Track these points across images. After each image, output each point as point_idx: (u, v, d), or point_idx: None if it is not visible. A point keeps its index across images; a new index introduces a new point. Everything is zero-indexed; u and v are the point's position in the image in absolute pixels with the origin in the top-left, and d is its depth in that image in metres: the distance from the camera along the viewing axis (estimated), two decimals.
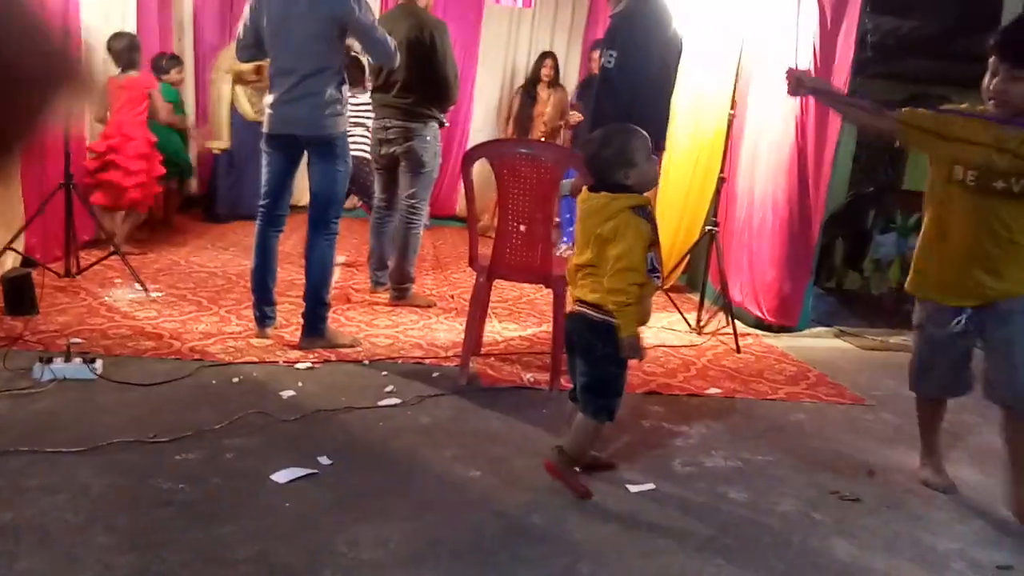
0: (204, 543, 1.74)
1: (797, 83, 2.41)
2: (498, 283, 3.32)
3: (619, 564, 1.82)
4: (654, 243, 2.07)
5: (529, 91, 6.38)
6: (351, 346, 3.26)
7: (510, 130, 6.53)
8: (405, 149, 3.94)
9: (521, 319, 4.07)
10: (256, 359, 3.02)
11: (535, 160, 2.93)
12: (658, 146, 3.57)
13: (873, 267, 5.61)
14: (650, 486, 2.23)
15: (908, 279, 2.35)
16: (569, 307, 2.21)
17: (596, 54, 4.79)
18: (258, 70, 5.65)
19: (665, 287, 4.35)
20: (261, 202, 3.23)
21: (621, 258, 2.01)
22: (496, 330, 3.77)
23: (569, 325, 2.22)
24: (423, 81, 3.86)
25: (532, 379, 3.08)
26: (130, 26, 4.94)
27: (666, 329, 4.07)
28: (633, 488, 2.22)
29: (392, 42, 3.20)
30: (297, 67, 3.04)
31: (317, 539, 1.80)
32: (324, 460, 2.19)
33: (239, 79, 5.98)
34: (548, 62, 6.32)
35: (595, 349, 2.10)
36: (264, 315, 3.29)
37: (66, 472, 2.01)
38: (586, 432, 2.16)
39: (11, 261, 3.72)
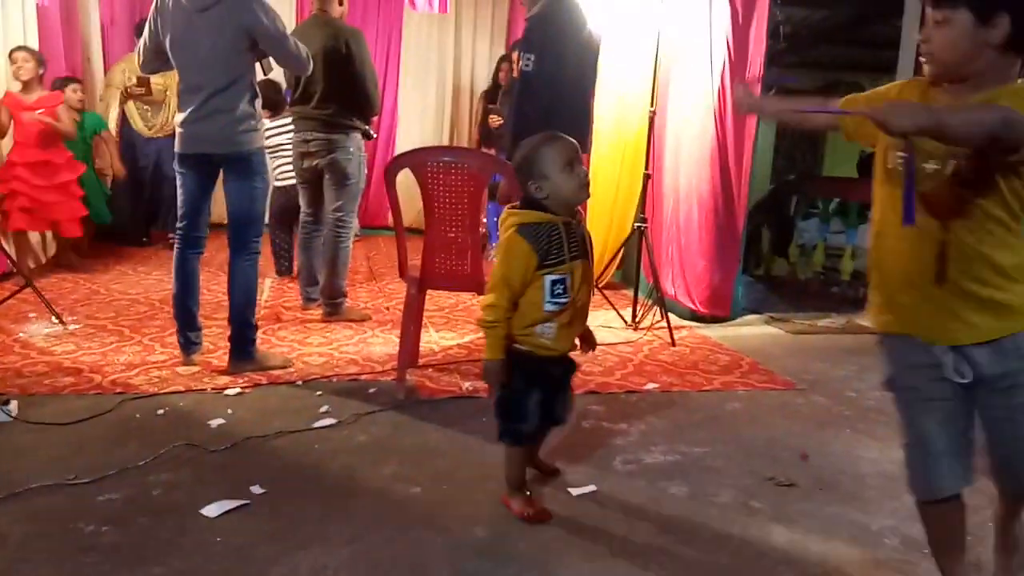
0: None
1: (739, 104, 2.27)
2: (433, 292, 3.29)
3: (566, 572, 1.81)
4: (557, 265, 1.94)
5: (491, 97, 6.21)
6: (283, 367, 3.17)
7: (475, 138, 6.44)
8: (328, 162, 3.87)
9: (458, 327, 4.04)
10: (182, 388, 2.92)
11: (459, 167, 2.90)
12: (583, 147, 3.61)
13: (798, 253, 5.77)
14: (591, 488, 2.24)
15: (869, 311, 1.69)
16: None
17: (515, 55, 4.79)
18: (141, 82, 5.59)
19: (599, 285, 4.38)
20: (178, 224, 3.11)
21: (492, 277, 1.97)
22: (433, 340, 3.74)
23: None
24: (342, 91, 3.80)
25: (471, 387, 3.05)
26: (32, 44, 4.72)
27: (603, 327, 4.09)
28: (575, 491, 2.21)
29: (304, 49, 3.11)
30: (206, 82, 2.94)
31: (251, 573, 1.74)
32: (257, 489, 2.13)
33: (127, 95, 5.75)
34: (505, 66, 6.05)
35: None
36: (189, 341, 3.17)
37: None
38: (506, 456, 2.12)
39: None
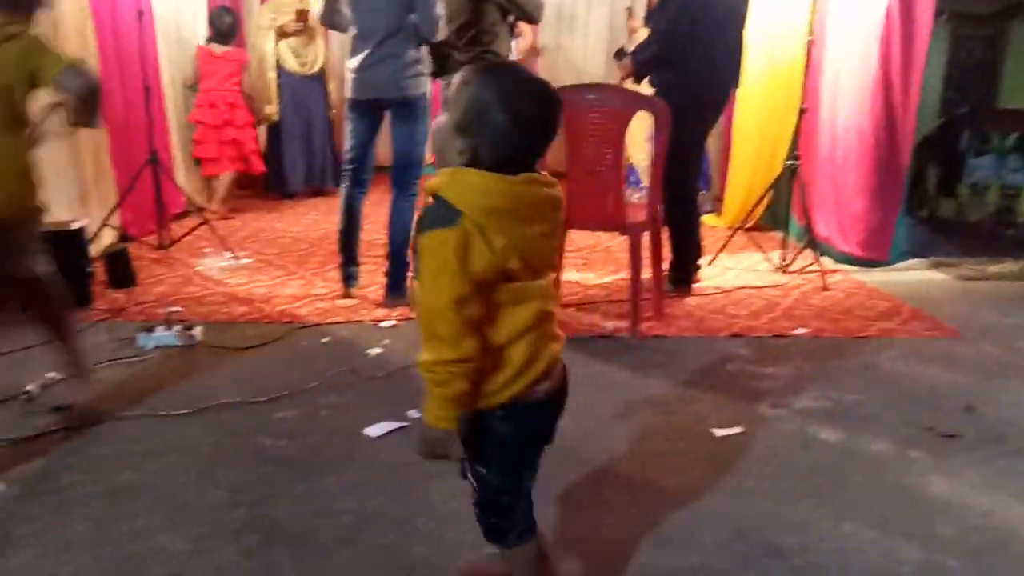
0: (307, 496, 1.84)
1: None
2: (572, 233, 3.31)
3: (709, 508, 1.83)
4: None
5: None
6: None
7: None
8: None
9: (598, 267, 4.05)
10: (343, 319, 3.12)
11: (602, 105, 2.87)
12: (735, 80, 3.46)
13: (969, 192, 5.30)
14: (737, 430, 2.22)
15: None
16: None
17: None
18: (300, 17, 5.41)
19: (746, 226, 4.23)
20: (346, 165, 3.30)
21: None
22: (573, 280, 3.77)
23: None
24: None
25: (613, 327, 3.07)
26: None
27: (749, 270, 3.97)
28: (719, 432, 2.20)
29: (440, 18, 3.11)
30: (378, 29, 3.07)
31: (412, 489, 1.87)
32: (413, 414, 2.26)
33: (282, 33, 5.51)
34: None
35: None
36: (350, 275, 3.39)
37: (176, 433, 2.14)
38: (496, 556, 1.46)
39: (109, 237, 3.92)
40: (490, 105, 1.15)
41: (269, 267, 3.91)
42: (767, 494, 1.89)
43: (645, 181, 5.23)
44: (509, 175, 1.16)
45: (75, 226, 3.24)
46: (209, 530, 1.70)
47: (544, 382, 1.26)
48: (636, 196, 5.18)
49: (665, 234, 3.34)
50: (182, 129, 5.03)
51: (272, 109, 5.60)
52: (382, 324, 3.07)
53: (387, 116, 3.24)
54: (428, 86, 3.24)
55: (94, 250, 3.57)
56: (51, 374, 2.40)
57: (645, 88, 3.62)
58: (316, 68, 5.70)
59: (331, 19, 3.27)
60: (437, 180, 1.17)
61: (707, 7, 3.10)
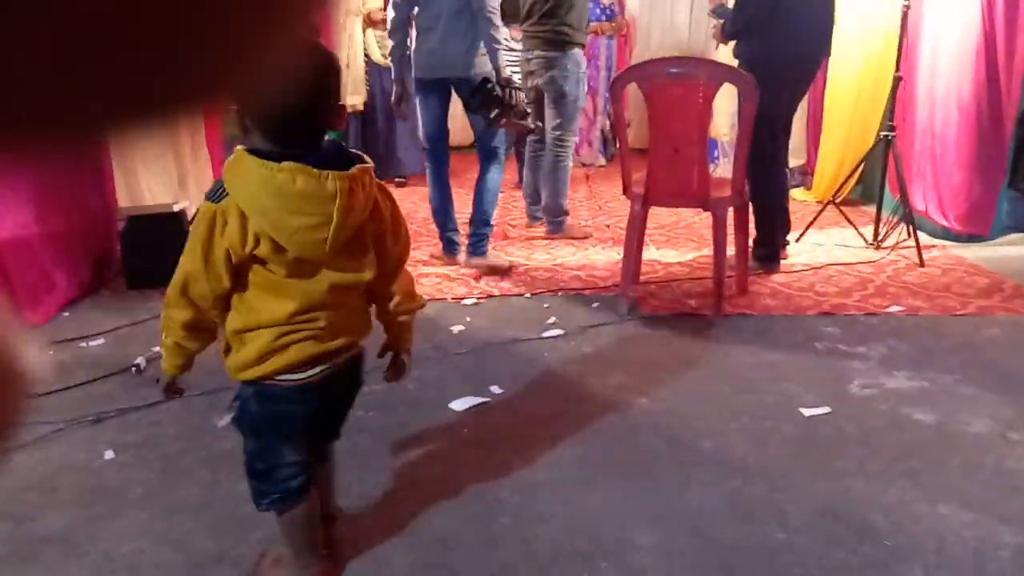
0: (396, 465, 1.91)
1: None
2: (654, 209, 3.28)
3: (796, 487, 1.80)
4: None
5: None
6: (507, 269, 3.51)
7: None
8: (547, 80, 3.91)
9: (679, 244, 4.00)
10: (427, 297, 3.18)
11: (687, 79, 2.82)
12: (825, 49, 3.34)
13: None
14: (826, 409, 2.17)
15: None
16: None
17: None
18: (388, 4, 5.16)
19: (837, 200, 4.09)
20: (425, 145, 3.51)
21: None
22: (655, 257, 3.74)
23: None
24: (561, 5, 3.77)
25: (695, 304, 3.04)
26: None
27: (839, 246, 3.85)
28: (807, 411, 2.16)
29: (498, 16, 3.17)
30: (442, 10, 3.18)
31: (496, 461, 1.92)
32: (495, 389, 2.31)
33: (368, 21, 5.32)
34: None
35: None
36: (451, 241, 3.62)
37: None
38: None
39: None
40: None
41: None
42: (858, 475, 1.84)
43: (728, 156, 5.11)
44: (287, 153, 1.17)
45: (176, 208, 3.42)
46: None
47: (295, 374, 1.30)
48: (717, 172, 5.07)
49: (751, 209, 3.27)
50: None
51: (357, 99, 5.37)
52: (465, 302, 3.12)
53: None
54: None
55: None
56: (157, 348, 2.54)
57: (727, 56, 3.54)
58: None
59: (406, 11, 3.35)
60: (229, 158, 1.22)
61: None
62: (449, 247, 3.62)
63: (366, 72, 5.44)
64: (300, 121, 1.20)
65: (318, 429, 1.45)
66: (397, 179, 5.67)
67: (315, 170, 1.17)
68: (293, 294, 1.26)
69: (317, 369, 1.32)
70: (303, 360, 1.29)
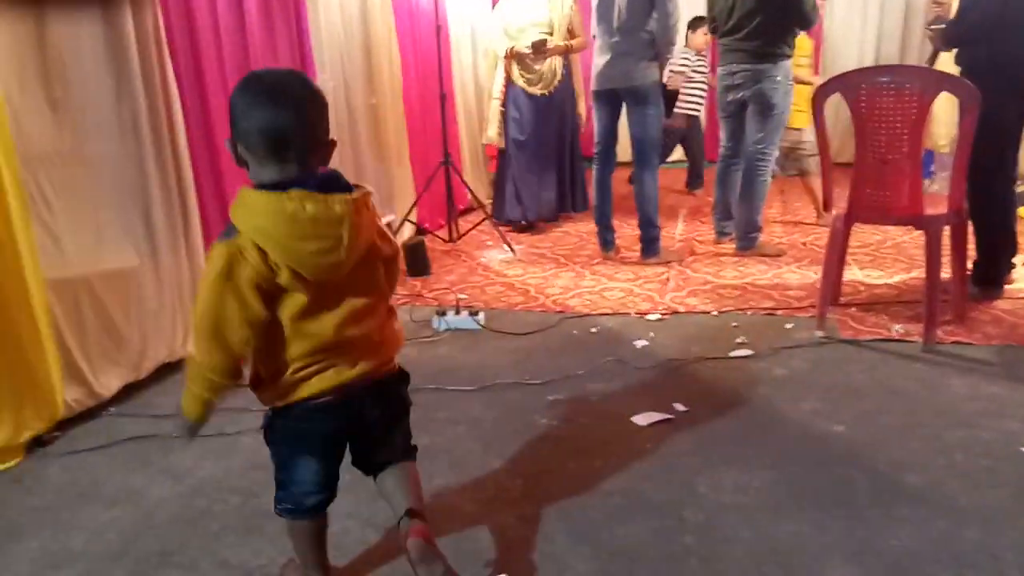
0: (579, 474, 1.94)
1: None
2: (857, 227, 3.08)
3: (1015, 532, 1.62)
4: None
5: None
6: (679, 261, 3.93)
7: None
8: (754, 92, 3.80)
9: (886, 265, 3.72)
10: (610, 311, 3.22)
11: (898, 88, 2.64)
12: None
13: None
14: None
15: None
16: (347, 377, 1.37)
17: None
18: (537, 48, 4.49)
19: None
20: (596, 149, 3.94)
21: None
22: (857, 278, 3.51)
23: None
24: (774, 21, 3.68)
25: (901, 330, 2.82)
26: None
27: None
28: None
29: (673, 24, 3.65)
30: (617, 31, 3.68)
31: (679, 479, 1.89)
32: (679, 407, 2.28)
33: (513, 55, 4.63)
34: None
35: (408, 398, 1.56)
36: (606, 240, 4.05)
37: (464, 406, 2.37)
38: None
39: (408, 231, 4.41)
40: (233, 112, 1.25)
41: (542, 259, 4.14)
42: None
43: (947, 169, 4.68)
44: (289, 181, 1.22)
45: (384, 221, 3.68)
46: (492, 495, 1.87)
47: (321, 398, 1.34)
48: (933, 187, 4.66)
49: (970, 228, 2.98)
50: (472, 132, 5.45)
51: (492, 133, 4.90)
52: (648, 317, 3.11)
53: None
54: (656, 75, 3.73)
55: (397, 242, 4.03)
56: None
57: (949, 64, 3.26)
58: (551, 87, 4.69)
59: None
60: (234, 200, 1.25)
61: None
62: (604, 245, 4.06)
63: (503, 103, 4.79)
64: (292, 147, 1.24)
65: (363, 444, 1.48)
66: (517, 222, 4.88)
67: (321, 195, 1.22)
68: (314, 330, 1.30)
69: (338, 390, 1.35)
70: (325, 390, 1.34)
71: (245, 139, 1.24)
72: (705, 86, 5.69)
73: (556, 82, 4.71)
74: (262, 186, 1.24)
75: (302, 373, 1.32)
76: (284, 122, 1.22)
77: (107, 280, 2.42)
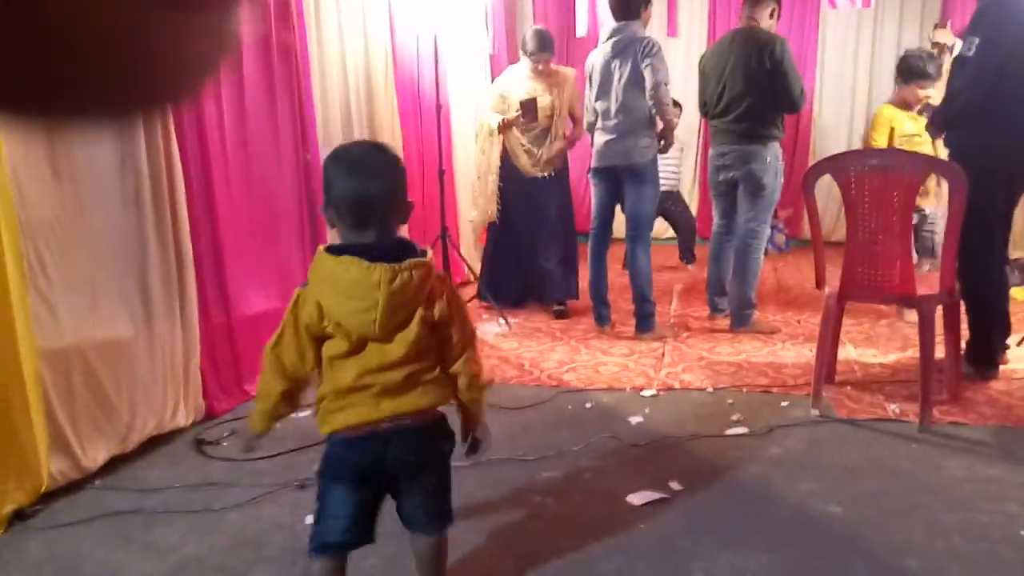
0: (571, 554, 1.90)
1: None
2: (851, 305, 3.10)
3: None
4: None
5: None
6: (674, 337, 3.95)
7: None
8: (744, 172, 3.89)
9: (880, 344, 3.73)
10: (606, 386, 3.20)
11: (886, 171, 2.70)
12: None
13: None
14: None
15: None
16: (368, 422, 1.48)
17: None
18: (525, 109, 4.28)
19: None
20: (593, 224, 4.04)
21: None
22: (851, 356, 3.51)
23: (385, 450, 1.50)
24: (763, 103, 3.81)
25: (897, 410, 2.81)
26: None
27: None
28: None
29: (668, 97, 3.74)
30: (615, 110, 3.80)
31: (674, 561, 1.85)
32: (675, 485, 2.25)
33: (506, 125, 4.38)
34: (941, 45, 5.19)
35: (446, 456, 1.63)
36: (601, 315, 4.08)
37: (456, 482, 2.32)
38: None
39: None
40: (326, 179, 1.44)
41: (537, 333, 4.14)
42: None
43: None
44: (352, 247, 1.41)
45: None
46: (484, 575, 1.82)
47: (359, 429, 1.47)
48: (926, 267, 4.72)
49: (963, 308, 3.00)
50: (470, 207, 5.52)
51: (492, 210, 4.60)
52: (643, 393, 3.10)
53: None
54: (653, 154, 3.83)
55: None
56: None
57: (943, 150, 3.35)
58: (547, 167, 4.49)
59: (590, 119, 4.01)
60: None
61: (1012, 64, 2.81)
62: (599, 319, 4.10)
63: (500, 180, 4.55)
64: (373, 213, 1.42)
65: (392, 490, 1.55)
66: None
67: (366, 262, 1.39)
68: (352, 367, 1.45)
69: (374, 424, 1.48)
70: (353, 424, 1.47)
71: (336, 206, 1.43)
72: (677, 161, 5.87)
73: (557, 164, 4.50)
74: (335, 247, 1.43)
75: (333, 406, 1.47)
76: (366, 193, 1.41)
77: (100, 350, 2.41)
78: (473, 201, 4.80)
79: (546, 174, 4.49)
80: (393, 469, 1.51)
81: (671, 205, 5.96)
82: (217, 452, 2.59)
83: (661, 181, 5.60)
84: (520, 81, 4.39)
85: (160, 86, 0.34)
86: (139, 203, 2.56)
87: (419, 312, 1.45)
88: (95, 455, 2.38)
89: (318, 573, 1.54)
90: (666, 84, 3.72)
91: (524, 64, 4.38)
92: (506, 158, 4.50)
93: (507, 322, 4.32)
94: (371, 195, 1.41)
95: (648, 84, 3.69)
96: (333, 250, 1.42)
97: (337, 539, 1.49)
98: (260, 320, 3.16)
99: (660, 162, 5.19)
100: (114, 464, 2.46)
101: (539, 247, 4.51)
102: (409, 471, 1.53)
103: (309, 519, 2.09)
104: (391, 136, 4.36)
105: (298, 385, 1.50)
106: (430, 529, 1.60)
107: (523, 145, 4.45)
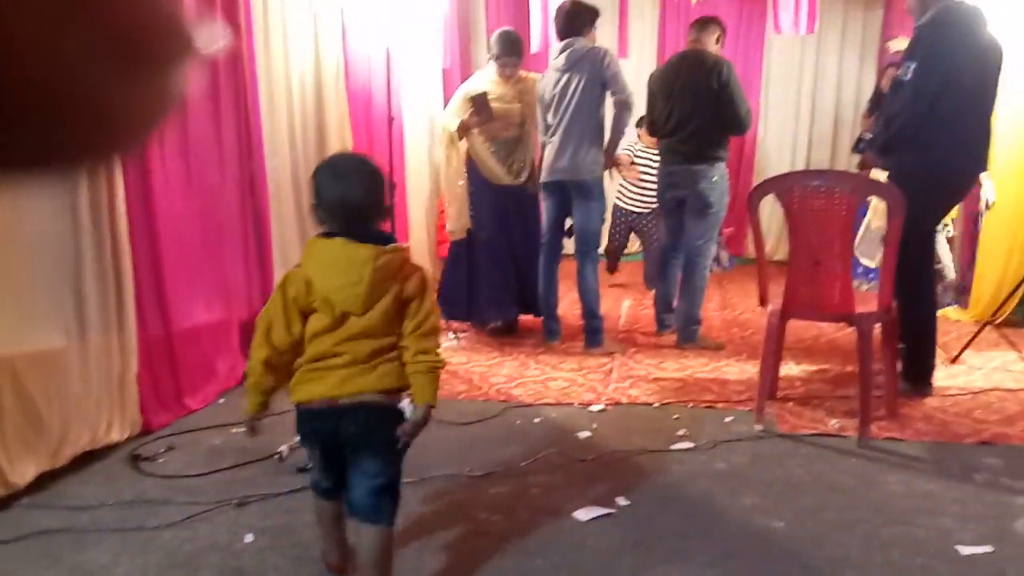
0: (517, 572, 1.88)
1: None
2: (794, 322, 3.17)
3: None
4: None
5: (872, 106, 5.50)
6: (622, 352, 3.94)
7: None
8: (691, 192, 3.96)
9: (821, 360, 3.82)
10: (554, 401, 3.20)
11: (828, 192, 2.78)
12: (982, 165, 3.19)
13: None
14: (987, 548, 1.96)
15: None
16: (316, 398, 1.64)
17: (891, 71, 4.41)
18: (477, 107, 3.96)
19: (996, 322, 3.80)
20: (544, 239, 4.02)
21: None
22: (793, 372, 3.58)
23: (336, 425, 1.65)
24: (710, 125, 3.87)
25: (838, 425, 2.87)
26: (439, 107, 5.58)
27: (1000, 370, 3.55)
28: (964, 550, 1.96)
29: (630, 101, 3.75)
30: (568, 126, 3.76)
31: None
32: (622, 500, 2.25)
33: (464, 128, 4.05)
34: (891, 71, 5.34)
35: (393, 438, 1.67)
36: (551, 329, 4.07)
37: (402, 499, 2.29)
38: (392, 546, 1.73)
39: None
40: (316, 185, 1.64)
41: (486, 347, 4.12)
42: None
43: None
44: (342, 231, 1.61)
45: None
46: None
47: (321, 403, 1.63)
48: (865, 287, 4.86)
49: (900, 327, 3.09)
50: (421, 220, 5.47)
51: (465, 220, 4.24)
52: (591, 408, 3.10)
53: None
54: (600, 171, 3.82)
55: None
56: (299, 437, 2.67)
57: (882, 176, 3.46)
58: (524, 176, 4.19)
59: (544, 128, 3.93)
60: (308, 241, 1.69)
61: (948, 89, 2.92)
62: (549, 334, 4.08)
63: (470, 190, 4.20)
64: (358, 214, 1.63)
65: (337, 458, 1.70)
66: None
67: (353, 242, 1.60)
68: (329, 339, 1.62)
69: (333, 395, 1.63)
70: (316, 398, 1.63)
71: (325, 208, 1.64)
72: (651, 179, 5.79)
73: (529, 170, 4.20)
74: (326, 234, 1.63)
75: (303, 378, 1.64)
76: (352, 197, 1.62)
77: (30, 361, 2.32)
78: (445, 211, 4.42)
79: (521, 181, 4.17)
80: (345, 440, 1.66)
81: (646, 224, 5.62)
82: (153, 468, 2.51)
83: (631, 201, 5.61)
84: (486, 87, 4.05)
85: (105, 141, 0.35)
86: (75, 210, 2.47)
87: (394, 288, 1.63)
88: (23, 471, 2.27)
89: (318, 509, 1.84)
90: (626, 88, 3.73)
91: (491, 69, 4.11)
92: (472, 167, 4.15)
93: (457, 336, 4.29)
94: (356, 198, 1.62)
95: (619, 87, 3.69)
96: (325, 236, 1.63)
97: (325, 486, 1.77)
98: (201, 332, 3.07)
99: (639, 184, 5.18)
100: (43, 481, 2.35)
101: (517, 259, 4.21)
102: (356, 444, 1.65)
103: (248, 538, 2.05)
104: (341, 143, 4.30)
105: (279, 353, 1.64)
106: (375, 516, 1.65)
107: (490, 150, 4.13)
